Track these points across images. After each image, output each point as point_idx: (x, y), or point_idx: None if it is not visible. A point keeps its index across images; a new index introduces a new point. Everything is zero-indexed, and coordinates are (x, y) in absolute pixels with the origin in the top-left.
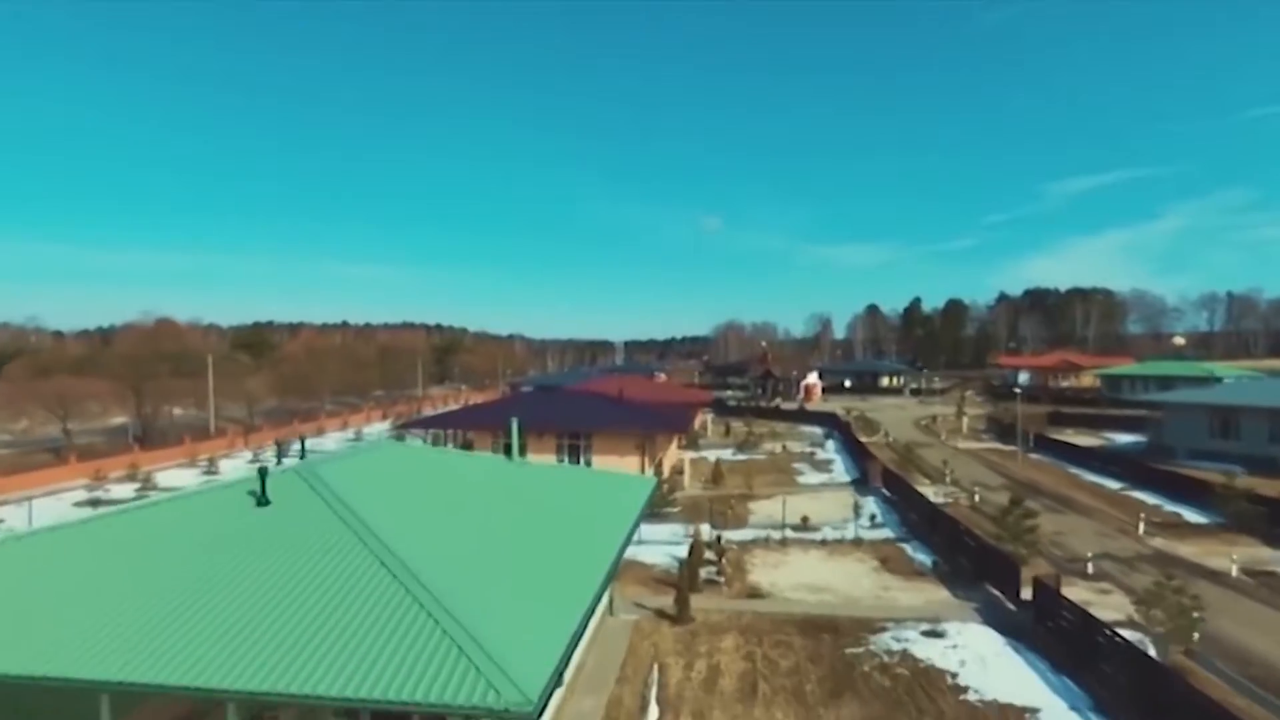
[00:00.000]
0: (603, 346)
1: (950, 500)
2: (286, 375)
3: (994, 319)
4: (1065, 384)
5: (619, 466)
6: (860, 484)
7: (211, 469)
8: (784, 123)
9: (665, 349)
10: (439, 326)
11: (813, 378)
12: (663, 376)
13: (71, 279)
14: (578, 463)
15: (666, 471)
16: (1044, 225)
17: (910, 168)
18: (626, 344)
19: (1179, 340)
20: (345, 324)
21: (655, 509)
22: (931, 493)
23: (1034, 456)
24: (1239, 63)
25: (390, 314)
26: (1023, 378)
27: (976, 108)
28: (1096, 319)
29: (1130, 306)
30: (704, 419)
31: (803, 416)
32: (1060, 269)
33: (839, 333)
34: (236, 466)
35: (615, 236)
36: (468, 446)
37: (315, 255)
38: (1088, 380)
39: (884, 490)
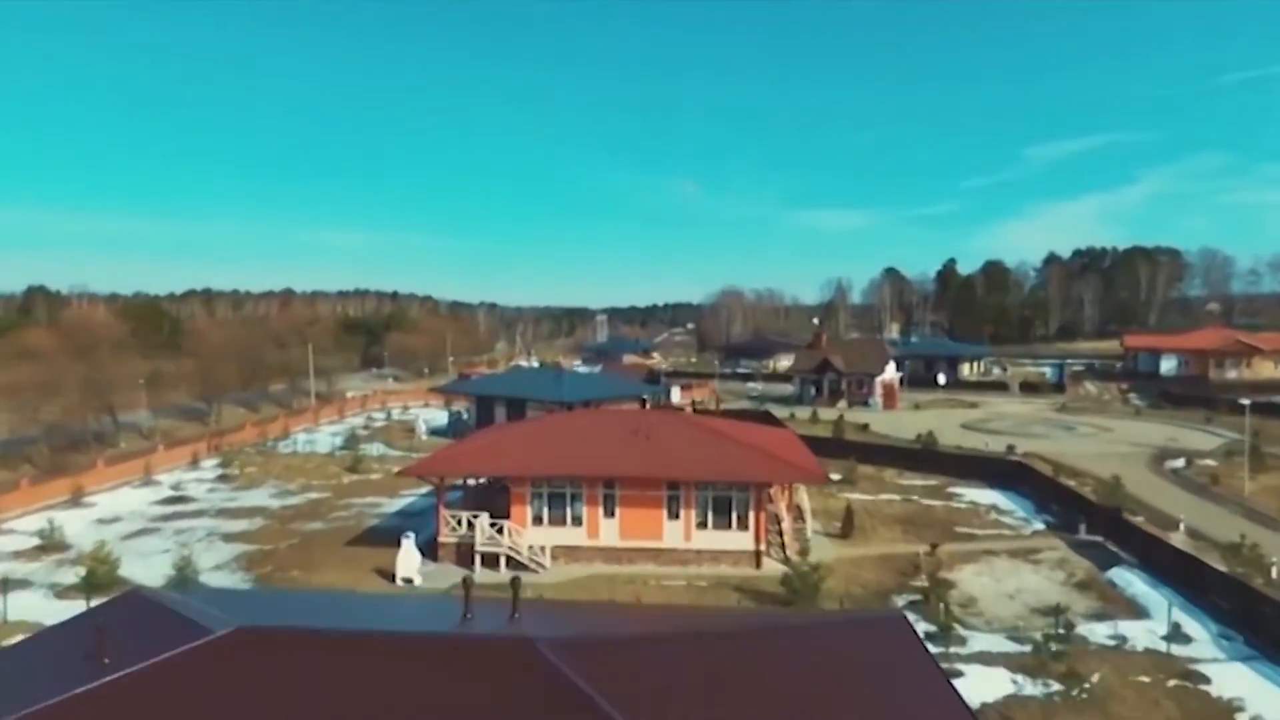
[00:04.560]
0: (581, 314)
1: None
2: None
3: (1044, 283)
4: (1232, 375)
5: None
6: None
7: None
8: (762, 90)
9: (648, 316)
10: (395, 295)
11: (890, 372)
12: (657, 356)
13: None
14: None
15: None
16: (1024, 189)
17: (889, 134)
18: (607, 312)
19: (1214, 306)
20: (290, 291)
21: None
22: None
23: None
24: (1216, 28)
25: (354, 281)
26: (1167, 365)
27: (954, 73)
28: (1163, 283)
29: (1197, 269)
30: (793, 498)
31: (936, 460)
32: (1039, 232)
33: (854, 298)
34: None
35: (593, 200)
36: None
37: (270, 219)
38: (1269, 368)
39: None
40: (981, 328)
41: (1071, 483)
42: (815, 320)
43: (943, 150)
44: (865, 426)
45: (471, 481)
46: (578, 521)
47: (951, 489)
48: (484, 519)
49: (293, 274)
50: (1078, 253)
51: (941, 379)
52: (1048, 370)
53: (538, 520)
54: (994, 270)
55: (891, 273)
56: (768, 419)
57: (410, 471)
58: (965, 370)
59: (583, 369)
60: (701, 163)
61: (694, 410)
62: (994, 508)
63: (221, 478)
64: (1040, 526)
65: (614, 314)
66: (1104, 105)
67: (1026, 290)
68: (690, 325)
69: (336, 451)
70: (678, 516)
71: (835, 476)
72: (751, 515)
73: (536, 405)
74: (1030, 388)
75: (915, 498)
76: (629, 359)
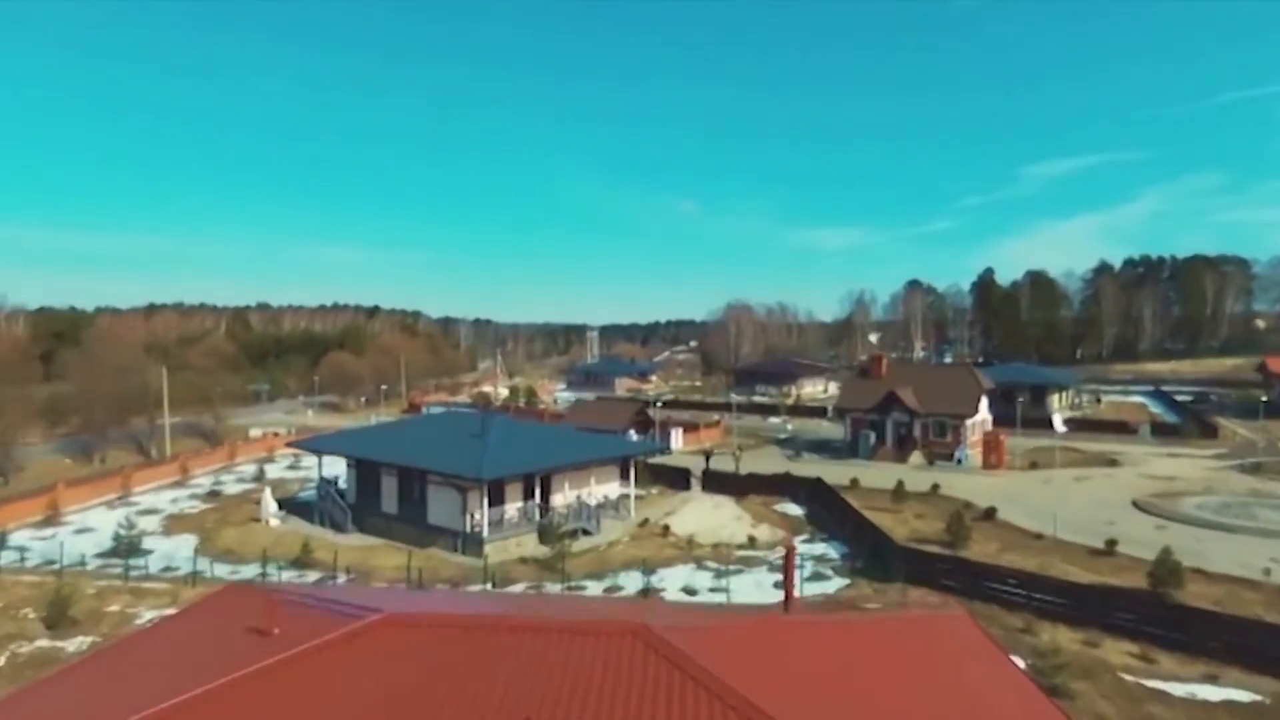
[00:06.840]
0: (577, 331)
1: None
2: None
3: (1094, 296)
4: None
5: None
6: None
7: None
8: (756, 107)
9: (649, 333)
10: (375, 309)
11: (984, 411)
12: (656, 379)
13: None
14: None
15: None
16: (1021, 208)
17: (887, 152)
18: (603, 329)
19: (1260, 323)
20: (266, 305)
21: None
22: None
23: None
24: (1210, 48)
25: (343, 296)
26: None
27: (953, 91)
28: (1232, 297)
29: (1267, 280)
30: None
31: (1197, 623)
32: (1037, 250)
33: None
34: None
35: (591, 217)
36: None
37: (261, 232)
38: None
39: None
40: (1025, 346)
41: None
42: (873, 339)
43: (940, 168)
44: (991, 513)
45: None
46: None
47: None
48: None
49: (282, 289)
50: (1130, 262)
51: (1058, 421)
52: (1145, 400)
53: None
54: (1040, 281)
55: (917, 285)
56: (821, 491)
57: None
58: (1055, 402)
59: (566, 395)
60: (698, 181)
61: (707, 465)
62: None
63: None
64: None
65: (614, 331)
66: (1103, 123)
67: (1077, 304)
68: (693, 343)
69: (86, 561)
70: None
71: (1019, 663)
72: None
73: (439, 480)
74: (1167, 430)
75: None
76: (624, 383)
